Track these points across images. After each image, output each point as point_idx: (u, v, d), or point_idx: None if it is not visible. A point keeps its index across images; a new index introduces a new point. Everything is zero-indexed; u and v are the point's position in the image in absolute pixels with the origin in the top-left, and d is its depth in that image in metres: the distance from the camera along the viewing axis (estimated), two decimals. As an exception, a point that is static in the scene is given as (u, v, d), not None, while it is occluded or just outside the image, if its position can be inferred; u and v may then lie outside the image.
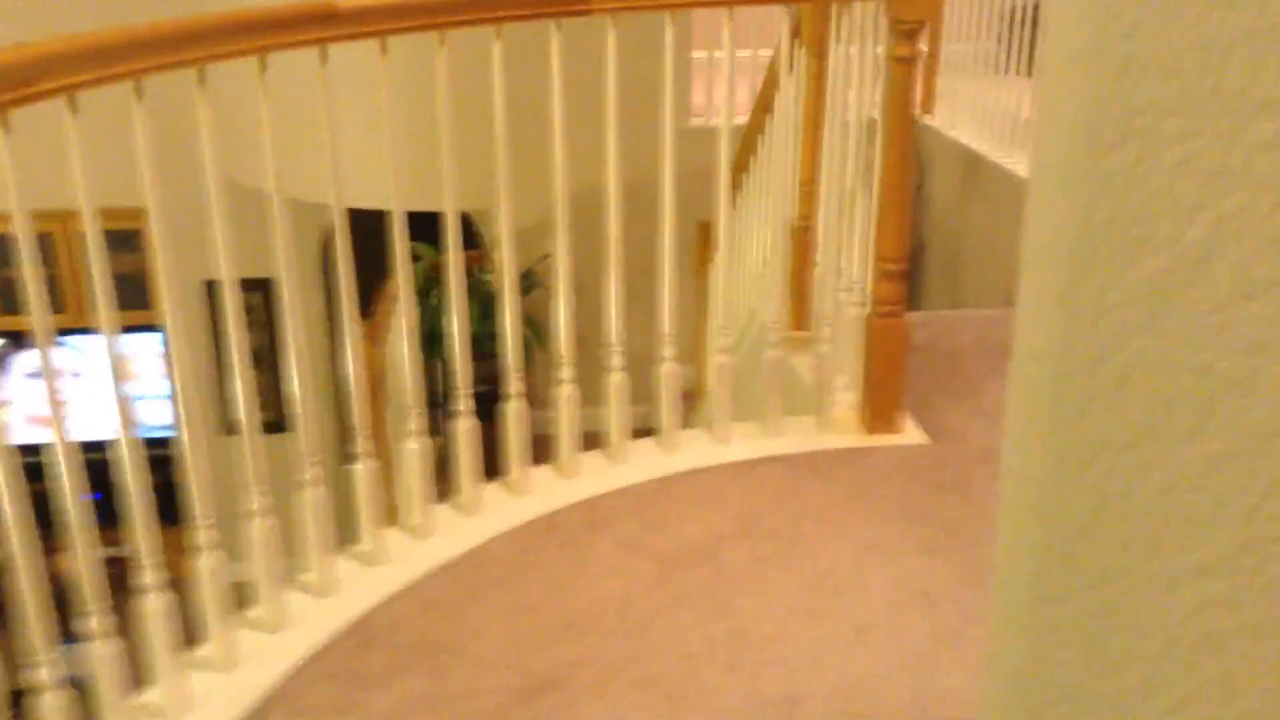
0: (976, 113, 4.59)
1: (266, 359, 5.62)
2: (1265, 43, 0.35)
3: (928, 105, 4.88)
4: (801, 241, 2.77)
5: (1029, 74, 4.23)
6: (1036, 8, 4.20)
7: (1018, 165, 4.18)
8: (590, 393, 2.32)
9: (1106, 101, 0.39)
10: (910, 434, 2.47)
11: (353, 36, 1.69)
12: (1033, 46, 4.23)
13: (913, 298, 4.29)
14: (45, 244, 1.48)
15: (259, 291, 5.48)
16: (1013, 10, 4.37)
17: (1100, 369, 0.42)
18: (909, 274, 2.43)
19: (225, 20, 1.50)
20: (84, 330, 3.90)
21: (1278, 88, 0.35)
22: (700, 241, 4.37)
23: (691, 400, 4.35)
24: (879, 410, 2.44)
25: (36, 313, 1.42)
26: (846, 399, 2.52)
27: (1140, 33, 0.38)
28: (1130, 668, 0.44)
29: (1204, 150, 0.37)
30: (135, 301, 4.25)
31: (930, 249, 4.88)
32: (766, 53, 3.75)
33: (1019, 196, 4.32)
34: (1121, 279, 0.40)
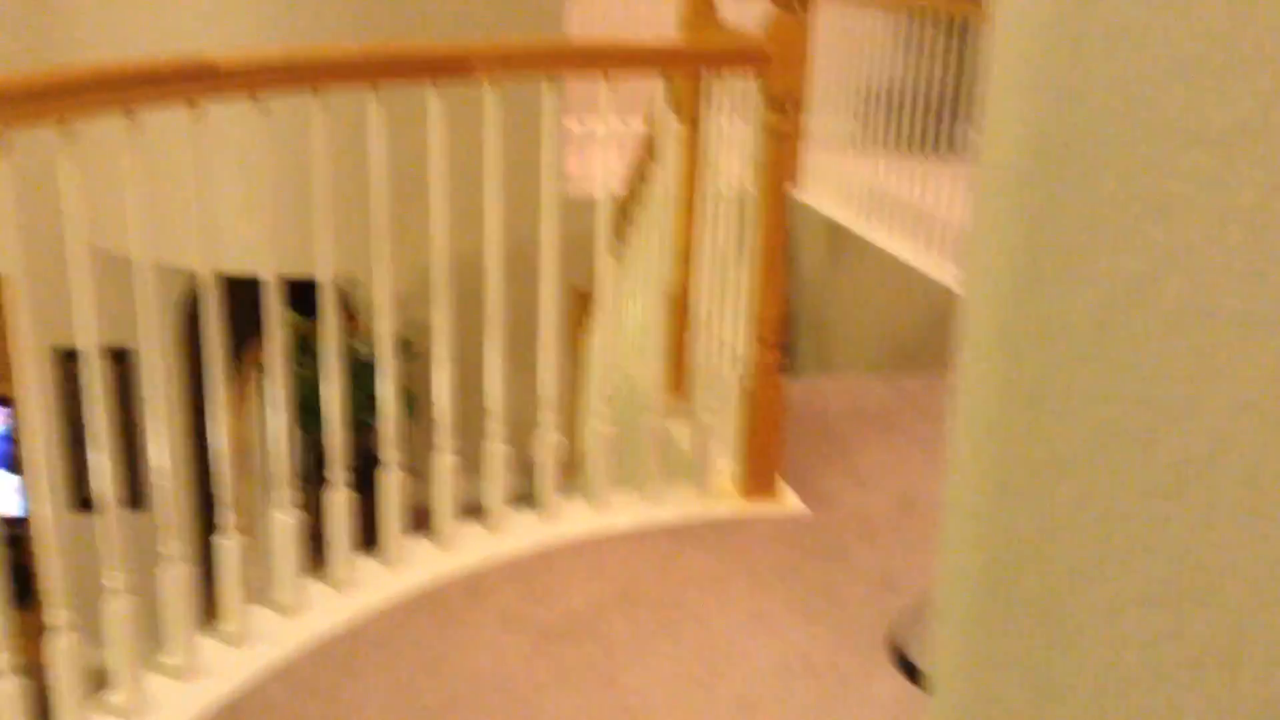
0: (840, 186, 4.75)
1: (121, 432, 5.37)
2: (1199, 75, 0.36)
3: (796, 179, 5.02)
4: (679, 308, 2.79)
5: (885, 150, 4.39)
6: (893, 90, 4.39)
7: (879, 237, 4.33)
8: (470, 462, 2.27)
9: (1044, 132, 0.40)
10: (788, 501, 2.49)
11: (229, 94, 1.64)
12: (889, 124, 4.40)
13: (785, 367, 4.36)
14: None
15: (116, 361, 5.25)
16: (871, 89, 4.55)
17: (1042, 399, 0.43)
18: (782, 340, 2.47)
19: (94, 73, 1.45)
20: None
21: (1211, 119, 0.36)
22: (578, 310, 4.37)
23: (570, 469, 4.31)
24: (757, 477, 2.46)
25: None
26: (725, 466, 2.53)
27: (1078, 64, 0.38)
28: (1072, 698, 0.44)
29: (1141, 181, 0.38)
30: (-21, 374, 4.02)
31: (800, 317, 4.98)
32: (642, 120, 3.81)
33: (881, 267, 4.47)
34: (1062, 308, 0.41)
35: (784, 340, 2.44)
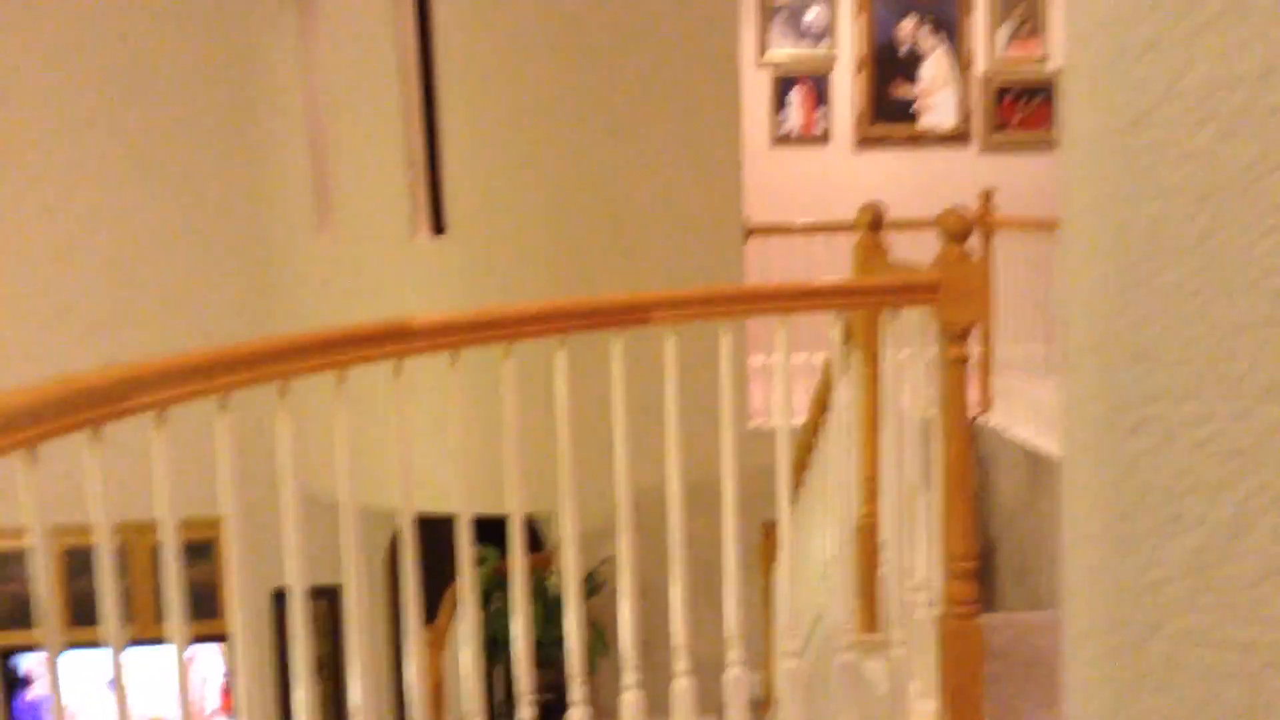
0: (1035, 412, 4.63)
1: (328, 667, 5.54)
2: (1265, 331, 0.36)
3: (985, 405, 4.94)
4: (866, 540, 2.74)
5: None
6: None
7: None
8: (656, 701, 2.24)
9: (1122, 388, 0.41)
10: (993, 744, 2.34)
11: (425, 350, 1.78)
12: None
13: (986, 600, 4.18)
14: (121, 555, 1.51)
15: (324, 599, 5.48)
16: (1057, 312, 4.50)
17: (1149, 646, 0.42)
18: (980, 573, 2.38)
19: (311, 338, 1.60)
20: (151, 641, 3.89)
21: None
22: (765, 541, 4.34)
23: (762, 710, 4.17)
24: (960, 718, 2.33)
25: (112, 623, 1.44)
26: (923, 708, 2.41)
27: (1148, 324, 0.40)
28: None
29: (1220, 433, 0.38)
30: (200, 612, 4.26)
31: (1001, 550, 4.79)
32: (823, 354, 3.86)
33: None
34: (1158, 555, 0.41)
35: (978, 570, 2.35)
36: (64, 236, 6.41)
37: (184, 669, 1.59)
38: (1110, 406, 0.42)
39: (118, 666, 1.44)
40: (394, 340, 1.72)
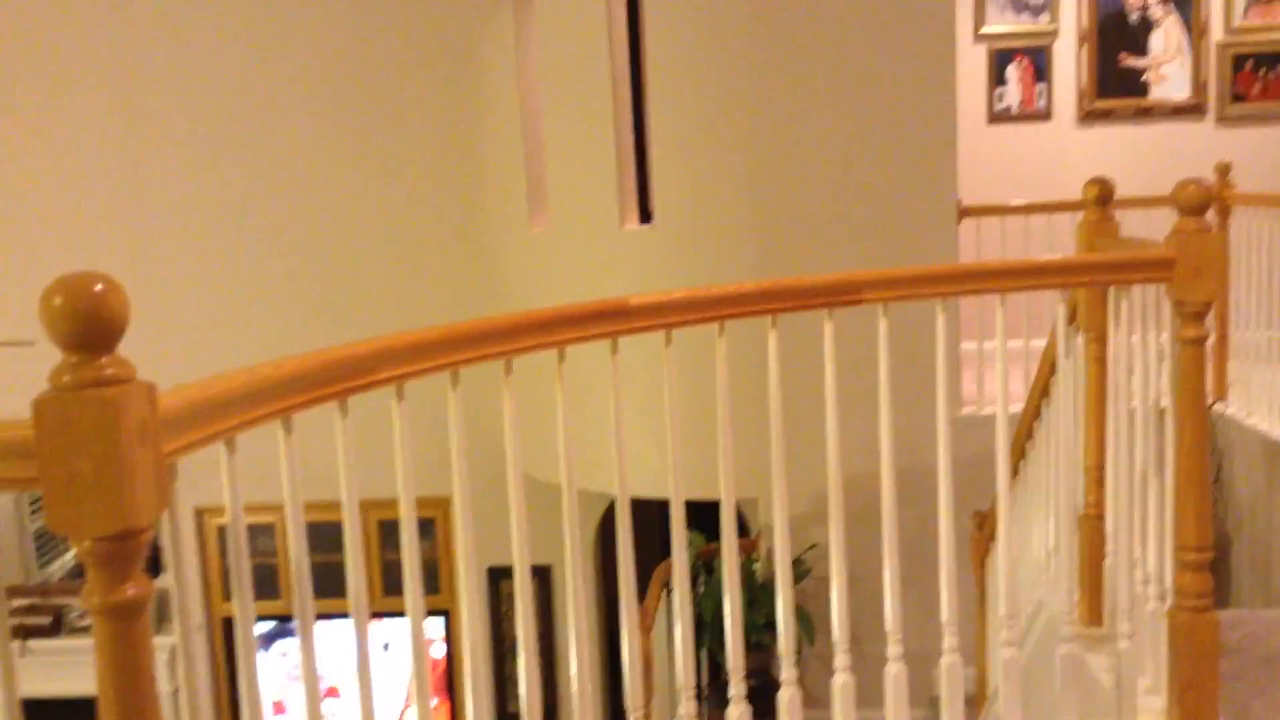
0: (1275, 401, 4.32)
1: (541, 645, 5.71)
2: None
3: (1220, 392, 4.64)
4: (1092, 530, 2.63)
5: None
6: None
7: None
8: (864, 694, 2.21)
9: None
10: (1231, 748, 2.20)
11: (641, 330, 1.81)
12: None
13: (1221, 596, 3.94)
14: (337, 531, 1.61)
15: (535, 578, 5.65)
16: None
17: None
18: (1215, 568, 2.24)
19: (530, 317, 1.66)
20: (377, 615, 4.10)
21: None
22: (978, 531, 4.21)
23: (976, 706, 4.07)
24: (1192, 718, 2.20)
25: (355, 596, 1.53)
26: (1152, 704, 2.30)
27: None
28: None
29: None
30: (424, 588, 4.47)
31: (1238, 544, 4.50)
32: (1039, 342, 3.72)
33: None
34: None
35: (1214, 565, 2.22)
36: (286, 229, 6.79)
37: (420, 641, 1.66)
38: None
39: (361, 640, 1.53)
40: (612, 319, 1.76)
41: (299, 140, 6.71)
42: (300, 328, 6.61)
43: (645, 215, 5.42)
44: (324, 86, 6.66)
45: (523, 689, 1.86)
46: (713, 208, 5.27)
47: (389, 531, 6.10)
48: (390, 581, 6.38)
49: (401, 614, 1.65)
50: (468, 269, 6.60)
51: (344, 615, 1.52)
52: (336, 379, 1.39)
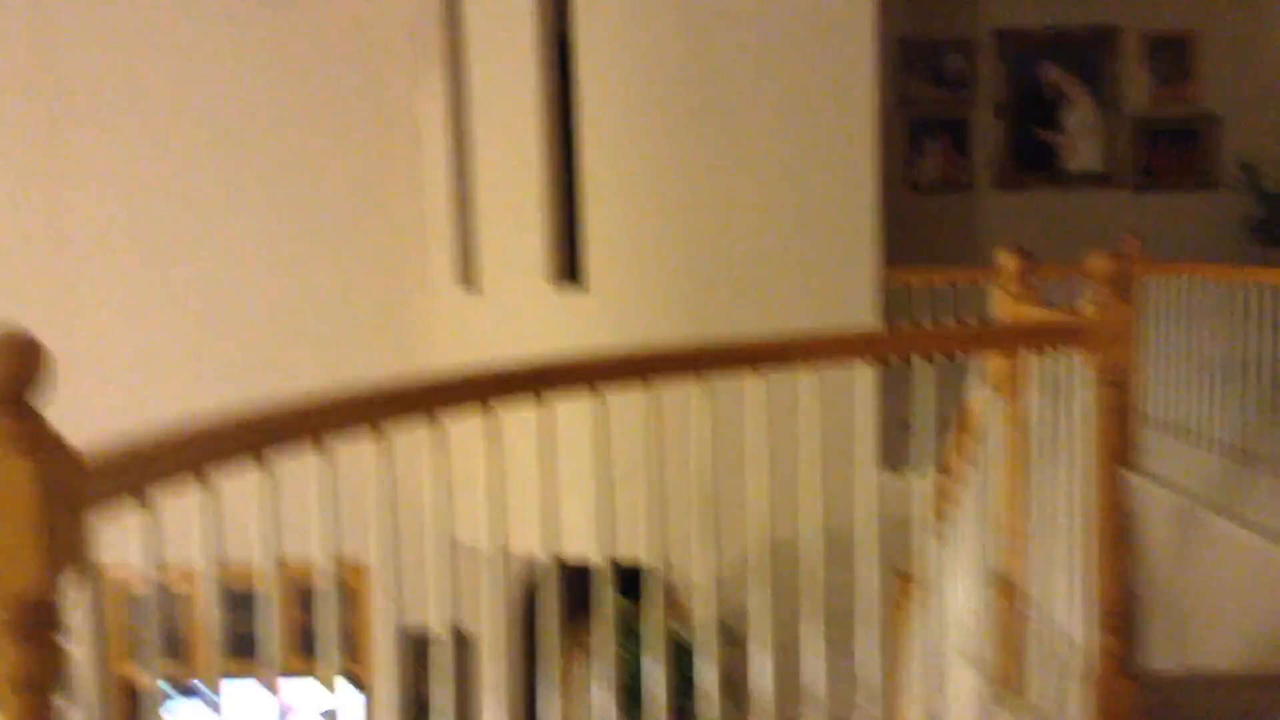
0: (1184, 466, 4.44)
1: (460, 710, 5.59)
2: None
3: (1130, 458, 4.76)
4: (1009, 591, 2.66)
5: (1230, 425, 4.10)
6: (1234, 363, 4.14)
7: (1231, 518, 3.97)
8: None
9: None
10: (1148, 810, 2.22)
11: (564, 389, 1.80)
12: (1231, 399, 4.12)
13: (1135, 659, 3.98)
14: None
15: (456, 642, 5.54)
16: (1209, 363, 4.31)
17: None
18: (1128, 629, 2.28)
19: (458, 376, 1.64)
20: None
21: None
22: (899, 593, 4.23)
23: (895, 767, 4.06)
24: (1110, 781, 2.22)
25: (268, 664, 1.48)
26: (1071, 767, 2.31)
27: None
28: None
29: None
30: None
31: (1150, 605, 4.58)
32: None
33: (1240, 551, 4.07)
34: None
35: (1127, 628, 2.25)
36: (209, 282, 6.68)
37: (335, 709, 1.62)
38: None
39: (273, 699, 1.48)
40: (537, 379, 1.75)
41: (224, 191, 6.64)
42: (220, 382, 6.49)
43: (577, 281, 5.44)
44: (249, 138, 6.61)
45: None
46: (643, 271, 5.31)
47: (303, 598, 5.95)
48: (303, 647, 6.22)
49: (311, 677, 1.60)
50: (394, 328, 6.55)
51: (248, 678, 1.47)
52: (257, 437, 1.36)
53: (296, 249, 6.69)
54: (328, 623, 1.61)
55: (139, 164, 6.62)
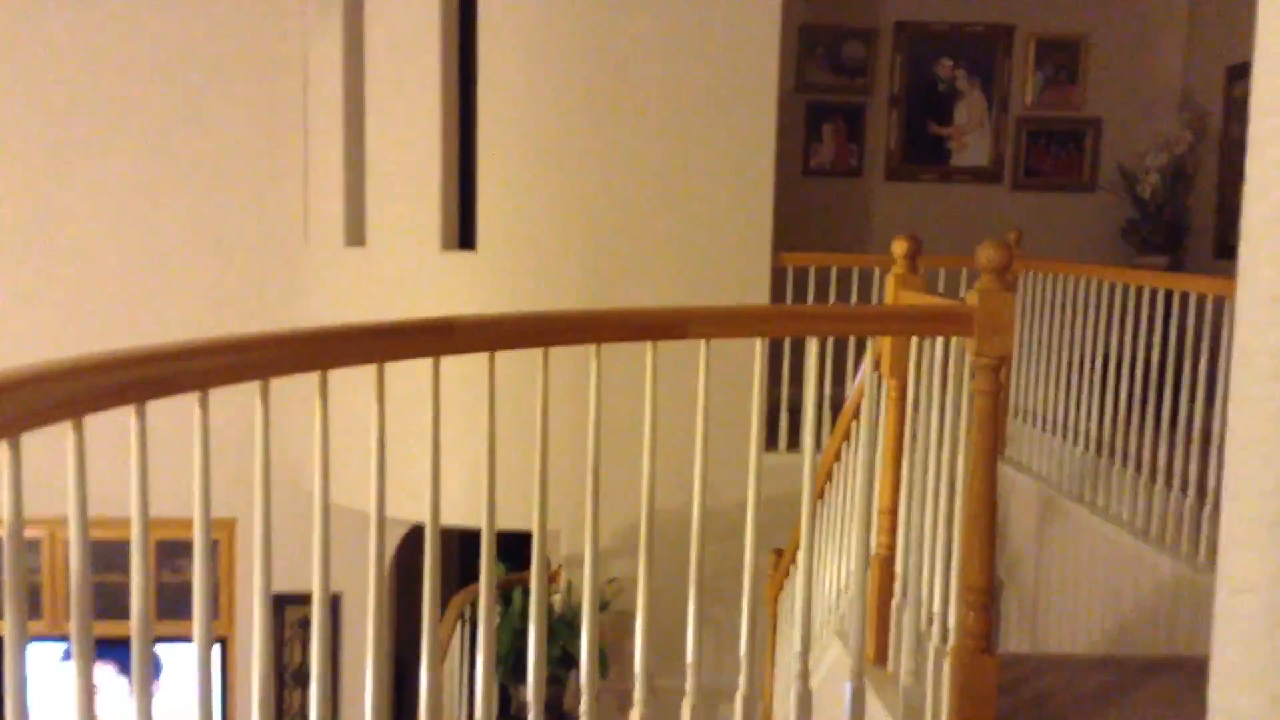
0: (1051, 456, 4.61)
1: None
2: None
3: (1003, 446, 4.92)
4: (881, 571, 2.73)
5: (1098, 419, 4.27)
6: (1106, 358, 4.31)
7: (1093, 508, 4.14)
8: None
9: None
10: (1002, 782, 2.31)
11: (464, 350, 1.78)
12: (1102, 393, 4.29)
13: (995, 639, 4.13)
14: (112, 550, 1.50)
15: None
16: (1082, 357, 4.48)
17: None
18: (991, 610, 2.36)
19: (349, 329, 1.60)
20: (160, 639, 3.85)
21: None
22: (773, 569, 4.32)
23: (761, 739, 4.14)
24: (969, 754, 2.30)
25: (137, 623, 1.43)
26: (933, 740, 2.39)
27: None
28: None
29: None
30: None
31: (1009, 589, 4.76)
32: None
33: (1097, 540, 4.24)
34: None
35: (992, 610, 2.33)
36: (93, 228, 6.45)
37: (206, 666, 1.58)
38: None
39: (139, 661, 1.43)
40: (434, 336, 1.72)
41: (102, 136, 6.40)
42: (98, 334, 6.29)
43: (467, 241, 5.37)
44: (132, 81, 6.38)
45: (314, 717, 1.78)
46: (536, 241, 5.27)
47: (167, 552, 5.80)
48: (165, 604, 6.07)
49: (176, 639, 1.55)
50: (281, 284, 6.39)
51: (116, 639, 1.42)
52: (136, 381, 1.31)
53: (177, 196, 6.47)
54: (200, 580, 1.56)
55: (13, 106, 6.35)
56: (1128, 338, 4.15)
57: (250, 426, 1.56)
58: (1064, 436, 4.52)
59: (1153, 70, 6.83)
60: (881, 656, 2.71)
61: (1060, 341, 4.62)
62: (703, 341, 2.04)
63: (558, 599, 5.18)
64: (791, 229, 5.96)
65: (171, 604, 6.38)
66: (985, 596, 2.30)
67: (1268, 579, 0.43)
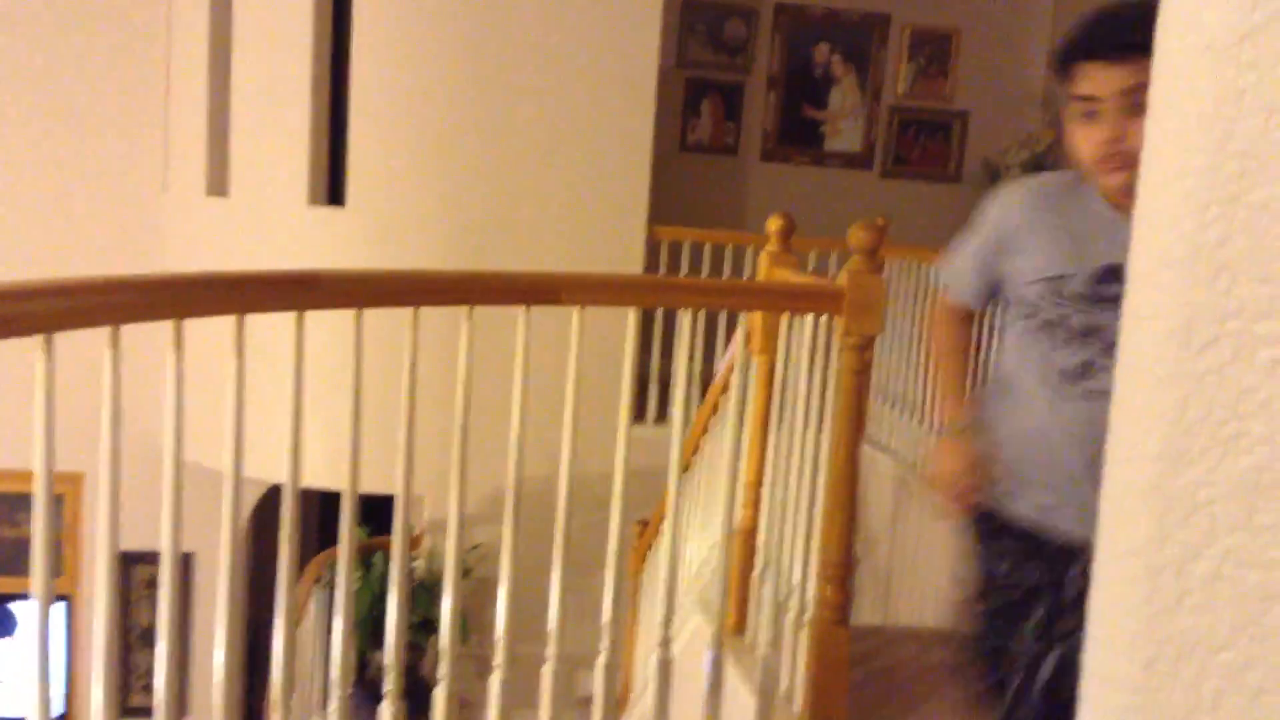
0: (904, 438, 4.75)
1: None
2: None
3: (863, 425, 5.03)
4: (743, 544, 2.77)
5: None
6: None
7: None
8: (513, 695, 2.20)
9: (1199, 305, 0.42)
10: (851, 750, 2.38)
11: (329, 305, 1.72)
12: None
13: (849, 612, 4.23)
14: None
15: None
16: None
17: (1192, 565, 0.43)
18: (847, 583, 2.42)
19: (208, 277, 1.54)
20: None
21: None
22: (637, 539, 4.34)
23: (620, 707, 4.17)
24: (821, 721, 2.36)
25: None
26: (787, 709, 2.44)
27: (1231, 241, 0.41)
28: None
29: None
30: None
31: (864, 565, 4.89)
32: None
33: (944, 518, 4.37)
34: (1214, 475, 0.42)
35: (849, 583, 2.39)
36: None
37: (44, 624, 1.51)
38: (1181, 323, 0.43)
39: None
40: (299, 288, 1.66)
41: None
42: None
43: (335, 198, 5.22)
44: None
45: (160, 679, 1.72)
46: (408, 197, 5.16)
47: (9, 505, 5.54)
48: (6, 559, 5.80)
49: (19, 596, 1.48)
50: (137, 233, 6.12)
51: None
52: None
53: (27, 132, 6.13)
54: (40, 536, 1.49)
55: None
56: (985, 328, 4.28)
57: (100, 376, 1.49)
58: (920, 420, 4.66)
59: (1018, 67, 7.05)
60: (741, 626, 2.76)
61: (923, 328, 4.75)
62: (576, 309, 2.03)
63: (420, 564, 5.12)
64: (666, 203, 5.97)
65: (13, 559, 6.09)
66: (843, 570, 2.35)
67: (1145, 542, 0.45)
